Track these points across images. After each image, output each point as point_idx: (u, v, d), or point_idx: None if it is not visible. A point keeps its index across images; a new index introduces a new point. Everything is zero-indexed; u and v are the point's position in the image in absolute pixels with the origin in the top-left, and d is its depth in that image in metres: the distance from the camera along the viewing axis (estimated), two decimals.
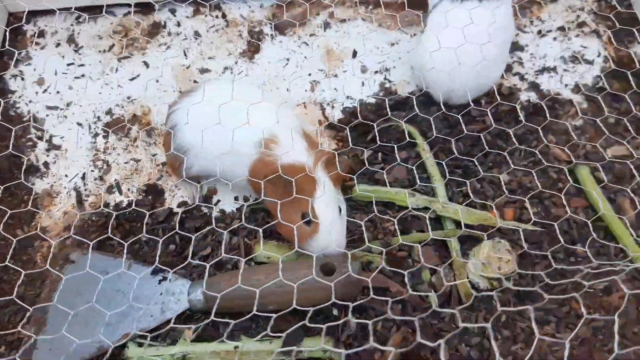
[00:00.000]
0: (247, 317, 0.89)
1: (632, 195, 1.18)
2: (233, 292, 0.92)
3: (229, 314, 1.00)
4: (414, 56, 1.33)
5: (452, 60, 1.20)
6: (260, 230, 1.01)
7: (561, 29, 1.47)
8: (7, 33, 1.41)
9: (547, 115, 1.27)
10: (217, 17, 1.48)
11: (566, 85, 1.38)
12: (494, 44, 1.20)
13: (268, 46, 1.43)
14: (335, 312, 1.01)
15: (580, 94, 1.36)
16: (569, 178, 1.21)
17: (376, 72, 1.38)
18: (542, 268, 1.12)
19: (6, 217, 1.13)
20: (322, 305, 0.90)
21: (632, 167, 1.21)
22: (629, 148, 1.25)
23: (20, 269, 1.05)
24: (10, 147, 1.19)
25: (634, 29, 1.41)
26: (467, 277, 1.09)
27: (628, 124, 1.25)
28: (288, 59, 1.40)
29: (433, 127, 1.22)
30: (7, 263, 1.04)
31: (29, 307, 0.97)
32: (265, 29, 1.45)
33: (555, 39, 1.45)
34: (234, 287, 0.91)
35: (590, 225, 1.09)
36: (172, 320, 0.98)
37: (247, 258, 1.05)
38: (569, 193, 1.21)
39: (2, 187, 1.14)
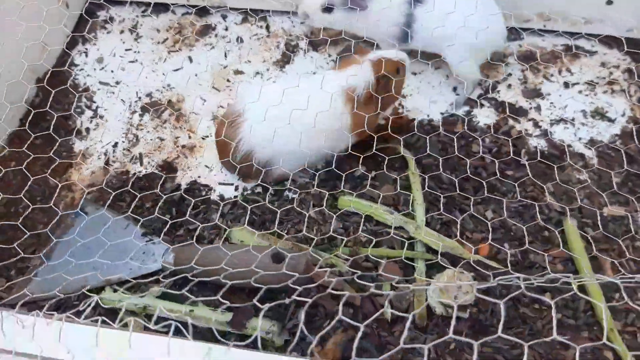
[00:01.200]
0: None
1: (617, 257, 1.17)
2: (196, 262, 1.03)
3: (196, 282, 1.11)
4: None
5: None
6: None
7: (589, 83, 1.47)
8: (82, 15, 1.64)
9: (552, 164, 1.29)
10: (261, 27, 1.63)
11: (580, 139, 1.37)
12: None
13: (300, 59, 1.55)
14: (287, 300, 1.09)
15: (593, 149, 1.35)
16: (552, 228, 1.21)
17: None
18: (503, 308, 1.13)
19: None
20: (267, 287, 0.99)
21: (625, 228, 1.20)
22: (626, 210, 1.23)
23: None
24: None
25: None
26: (426, 300, 1.13)
27: (635, 186, 1.24)
28: (315, 73, 1.51)
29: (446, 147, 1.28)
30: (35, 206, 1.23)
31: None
32: (301, 43, 1.58)
33: (580, 92, 1.45)
34: (195, 257, 1.02)
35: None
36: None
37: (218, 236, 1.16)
38: (552, 242, 1.21)
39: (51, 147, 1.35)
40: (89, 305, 0.92)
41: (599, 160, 1.33)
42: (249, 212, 1.23)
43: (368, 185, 1.28)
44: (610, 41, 1.53)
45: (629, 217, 1.23)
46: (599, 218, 1.21)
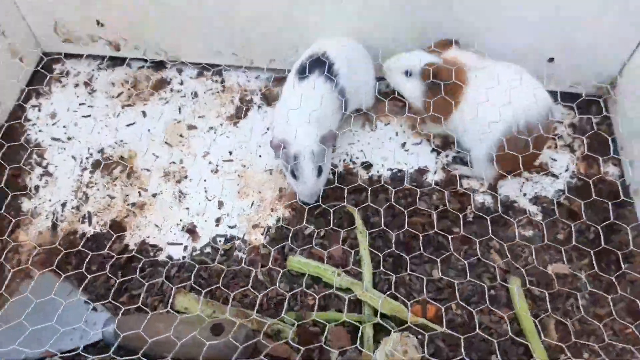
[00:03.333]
0: None
1: (560, 317, 1.19)
2: (138, 334, 1.01)
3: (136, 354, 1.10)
4: None
5: None
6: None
7: None
8: (37, 69, 1.64)
9: (498, 221, 1.32)
10: (216, 81, 1.64)
11: (525, 195, 1.40)
12: None
13: (254, 114, 1.57)
14: None
15: (537, 205, 1.38)
16: (502, 286, 1.23)
17: (343, 152, 1.48)
18: None
19: None
20: None
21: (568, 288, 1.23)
22: (570, 268, 1.26)
23: None
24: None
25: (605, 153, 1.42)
26: None
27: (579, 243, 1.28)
28: (268, 128, 1.53)
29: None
30: None
31: None
32: (255, 98, 1.60)
33: None
34: (135, 331, 1.00)
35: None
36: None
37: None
38: (499, 302, 1.22)
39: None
40: None
41: (543, 216, 1.36)
42: (194, 276, 1.22)
43: (317, 244, 1.29)
44: (552, 97, 1.58)
45: (573, 275, 1.25)
46: (543, 276, 1.24)
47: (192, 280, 1.21)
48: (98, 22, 1.55)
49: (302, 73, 1.35)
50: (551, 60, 1.49)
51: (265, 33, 1.51)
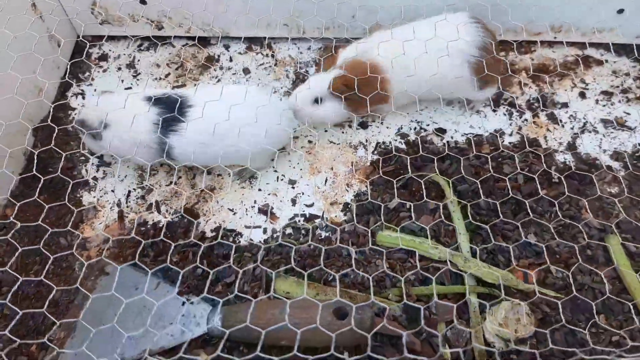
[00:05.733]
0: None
1: None
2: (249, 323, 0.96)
3: (244, 343, 1.04)
4: None
5: None
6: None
7: (605, 93, 1.47)
8: (75, 54, 1.53)
9: (583, 179, 1.28)
10: (267, 55, 1.56)
11: (605, 151, 1.37)
12: None
13: None
14: (346, 355, 1.03)
15: (618, 160, 1.35)
16: (597, 245, 1.20)
17: (413, 121, 1.42)
18: (561, 335, 1.10)
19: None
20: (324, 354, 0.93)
21: None
22: None
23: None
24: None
25: None
26: (483, 335, 1.09)
27: None
28: None
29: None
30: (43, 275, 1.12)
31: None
32: (311, 70, 1.52)
33: (597, 102, 1.45)
34: (246, 323, 0.94)
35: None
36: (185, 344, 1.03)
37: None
38: (597, 261, 1.19)
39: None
40: None
41: (626, 171, 1.33)
42: (285, 259, 1.16)
43: (405, 217, 1.24)
44: (618, 49, 1.54)
45: None
46: (637, 231, 1.21)
47: (288, 262, 1.15)
48: (142, 0, 1.45)
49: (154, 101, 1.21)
50: (621, 11, 1.44)
51: None
